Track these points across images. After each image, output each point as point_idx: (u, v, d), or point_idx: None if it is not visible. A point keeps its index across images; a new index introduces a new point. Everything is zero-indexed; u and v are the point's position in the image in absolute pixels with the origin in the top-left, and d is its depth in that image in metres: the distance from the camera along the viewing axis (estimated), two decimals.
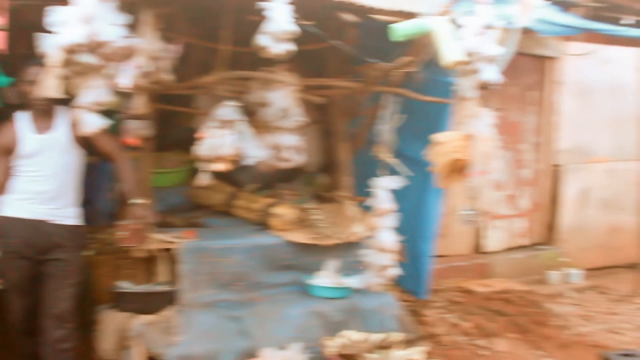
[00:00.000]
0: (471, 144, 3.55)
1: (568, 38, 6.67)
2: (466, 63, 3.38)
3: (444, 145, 3.61)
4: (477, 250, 6.79)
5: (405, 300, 5.44)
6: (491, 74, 3.45)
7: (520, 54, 6.63)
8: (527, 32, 4.35)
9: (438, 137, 3.69)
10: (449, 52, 3.35)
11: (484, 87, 3.54)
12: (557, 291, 6.58)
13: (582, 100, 7.20)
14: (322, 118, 4.87)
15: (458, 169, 3.61)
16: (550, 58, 6.90)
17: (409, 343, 4.15)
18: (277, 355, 3.74)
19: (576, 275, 6.93)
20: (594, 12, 6.51)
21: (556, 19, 4.45)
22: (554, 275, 6.79)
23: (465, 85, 3.51)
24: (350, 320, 4.14)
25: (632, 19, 6.07)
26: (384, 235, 3.97)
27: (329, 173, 4.87)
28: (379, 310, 4.25)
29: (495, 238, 6.86)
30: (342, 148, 4.60)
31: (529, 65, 6.86)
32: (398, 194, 4.74)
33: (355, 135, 4.58)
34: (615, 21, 6.22)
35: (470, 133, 3.56)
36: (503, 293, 6.00)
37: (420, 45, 3.71)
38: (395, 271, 4.12)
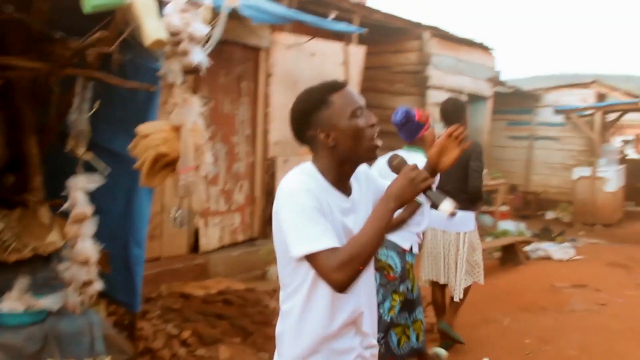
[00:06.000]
0: (179, 136, 3.15)
1: (277, 28, 6.67)
2: (169, 43, 2.96)
3: (149, 138, 3.16)
4: (193, 250, 6.46)
5: (115, 315, 4.87)
6: (199, 56, 3.09)
7: (233, 43, 6.47)
8: (237, 17, 4.11)
9: (142, 128, 3.21)
10: (151, 29, 2.90)
11: (193, 71, 3.17)
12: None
13: (291, 91, 7.21)
14: (5, 105, 4.05)
15: (165, 164, 3.19)
16: (263, 49, 6.82)
17: None
18: None
19: None
20: (299, 4, 6.63)
21: (264, 6, 4.29)
22: (274, 270, 6.70)
23: (171, 69, 3.09)
24: (48, 348, 3.44)
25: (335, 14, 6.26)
26: (83, 244, 3.37)
27: (16, 171, 4.07)
28: (82, 332, 3.59)
29: (211, 236, 6.58)
30: (31, 141, 3.85)
31: (242, 55, 6.71)
32: (104, 194, 4.16)
33: (46, 127, 3.87)
34: (320, 16, 6.37)
35: (178, 123, 3.16)
36: (222, 294, 5.75)
37: (120, 21, 3.18)
38: (99, 286, 3.55)
